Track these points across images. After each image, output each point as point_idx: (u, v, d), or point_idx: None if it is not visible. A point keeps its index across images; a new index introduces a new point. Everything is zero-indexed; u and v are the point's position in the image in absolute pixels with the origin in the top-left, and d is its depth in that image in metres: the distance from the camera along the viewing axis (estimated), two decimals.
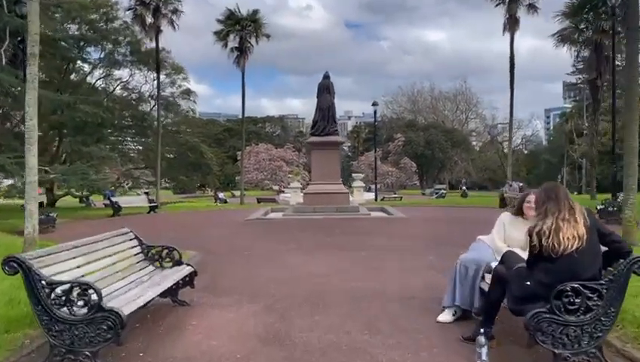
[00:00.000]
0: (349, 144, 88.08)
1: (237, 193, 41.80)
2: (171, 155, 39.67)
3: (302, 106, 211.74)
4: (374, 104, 37.82)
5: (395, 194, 46.05)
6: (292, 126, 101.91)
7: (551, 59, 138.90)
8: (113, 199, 23.63)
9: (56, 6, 21.65)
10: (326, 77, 19.98)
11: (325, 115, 19.52)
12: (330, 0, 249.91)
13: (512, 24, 27.74)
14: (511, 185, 24.03)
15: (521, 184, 23.62)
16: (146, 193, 39.38)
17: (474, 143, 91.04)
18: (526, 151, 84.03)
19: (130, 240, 5.94)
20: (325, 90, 19.71)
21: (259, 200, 36.02)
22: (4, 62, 17.10)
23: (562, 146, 60.30)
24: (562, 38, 23.99)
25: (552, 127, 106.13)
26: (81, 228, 16.65)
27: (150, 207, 24.14)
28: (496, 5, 28.43)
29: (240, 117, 38.70)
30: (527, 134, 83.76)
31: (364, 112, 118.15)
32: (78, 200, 36.93)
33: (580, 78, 63.57)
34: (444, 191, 52.05)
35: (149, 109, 35.56)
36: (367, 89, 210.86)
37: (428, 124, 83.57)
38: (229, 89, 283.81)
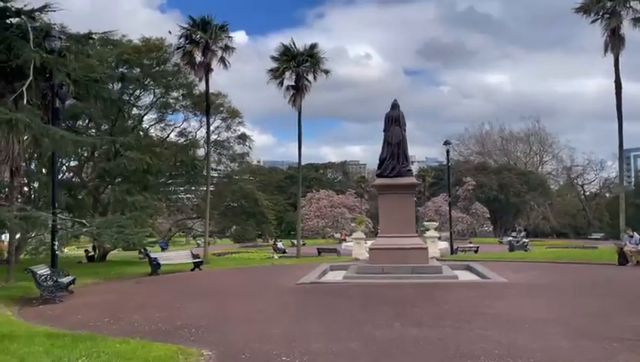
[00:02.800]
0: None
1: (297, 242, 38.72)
2: (228, 203, 37.33)
3: (362, 153, 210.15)
4: (446, 143, 33.50)
5: (470, 243, 40.74)
6: (353, 172, 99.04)
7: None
8: (152, 255, 20.80)
9: (90, 41, 19.74)
10: (395, 106, 16.15)
11: (395, 152, 15.66)
12: (388, 49, 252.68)
13: (614, 42, 23.31)
14: (632, 236, 18.97)
15: None
16: (198, 244, 36.90)
17: (552, 187, 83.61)
18: (608, 195, 75.69)
19: None
20: (394, 122, 15.91)
21: (319, 252, 32.61)
22: (24, 101, 14.97)
23: None
24: None
25: (632, 169, 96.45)
26: (103, 295, 13.67)
27: (194, 263, 21.15)
28: (593, 22, 24.23)
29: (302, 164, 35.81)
30: (610, 176, 75.43)
31: (427, 157, 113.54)
32: (137, 252, 34.80)
33: None
34: (527, 241, 43.00)
35: (203, 155, 33.59)
36: (428, 134, 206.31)
37: (500, 167, 77.90)
38: (291, 138, 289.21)
